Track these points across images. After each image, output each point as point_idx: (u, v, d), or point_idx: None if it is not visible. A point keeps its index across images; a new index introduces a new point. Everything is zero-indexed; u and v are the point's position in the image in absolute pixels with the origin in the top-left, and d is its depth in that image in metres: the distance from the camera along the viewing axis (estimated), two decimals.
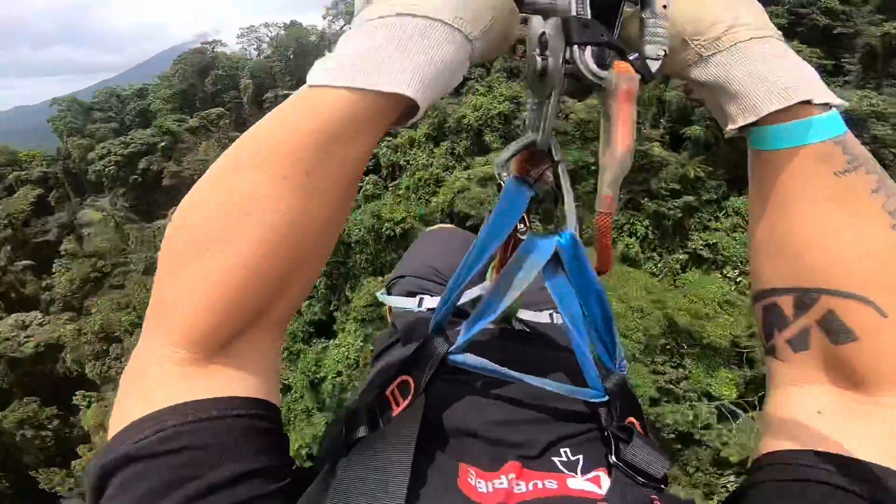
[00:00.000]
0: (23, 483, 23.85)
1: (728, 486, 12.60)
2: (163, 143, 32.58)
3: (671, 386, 14.02)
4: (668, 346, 14.72)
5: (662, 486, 0.58)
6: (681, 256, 17.39)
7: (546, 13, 0.59)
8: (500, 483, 0.55)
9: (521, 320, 1.06)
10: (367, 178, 20.83)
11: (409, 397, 0.61)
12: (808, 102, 0.55)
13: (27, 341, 25.90)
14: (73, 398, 23.94)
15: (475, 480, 0.54)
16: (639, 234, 17.45)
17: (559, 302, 0.65)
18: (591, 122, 17.09)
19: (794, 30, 18.63)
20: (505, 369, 0.64)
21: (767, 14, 0.60)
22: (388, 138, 20.92)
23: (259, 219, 0.49)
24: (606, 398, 0.66)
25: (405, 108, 0.52)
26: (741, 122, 0.58)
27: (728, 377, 14.30)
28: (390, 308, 1.32)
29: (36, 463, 24.16)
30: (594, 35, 0.56)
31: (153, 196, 32.10)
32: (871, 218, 0.55)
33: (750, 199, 0.64)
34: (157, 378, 0.50)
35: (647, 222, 17.40)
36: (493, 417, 0.66)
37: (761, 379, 9.26)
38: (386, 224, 18.49)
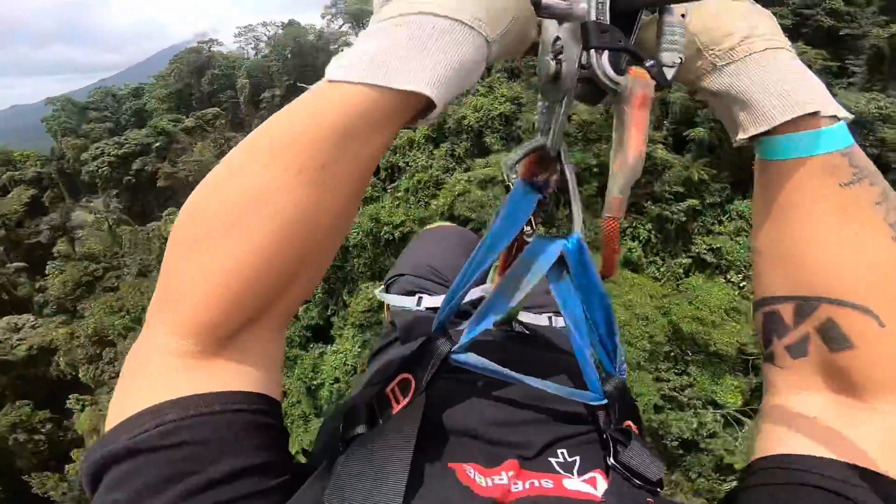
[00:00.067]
0: (16, 487, 23.66)
1: None
2: (157, 144, 32.39)
3: (675, 393, 13.90)
4: (672, 354, 14.58)
5: (658, 489, 0.59)
6: (684, 261, 17.16)
7: (563, 17, 0.59)
8: (500, 479, 0.55)
9: (520, 322, 1.05)
10: None
11: (410, 395, 0.61)
12: (817, 114, 0.55)
13: (20, 344, 25.66)
14: (67, 402, 23.76)
15: (474, 475, 0.55)
16: (641, 238, 17.23)
17: (562, 305, 0.66)
18: (593, 124, 16.85)
19: (799, 31, 18.45)
20: (506, 370, 0.65)
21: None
22: None
23: (274, 210, 0.49)
24: (605, 401, 0.66)
25: (422, 107, 0.52)
26: (753, 132, 0.58)
27: (734, 385, 14.19)
28: (388, 306, 1.31)
29: (29, 467, 24.00)
30: (612, 40, 0.57)
31: (147, 198, 31.93)
32: (874, 229, 0.56)
33: (754, 206, 0.65)
34: (159, 369, 0.50)
35: (649, 226, 17.19)
36: (493, 418, 0.66)
37: None
38: (384, 227, 18.11)
